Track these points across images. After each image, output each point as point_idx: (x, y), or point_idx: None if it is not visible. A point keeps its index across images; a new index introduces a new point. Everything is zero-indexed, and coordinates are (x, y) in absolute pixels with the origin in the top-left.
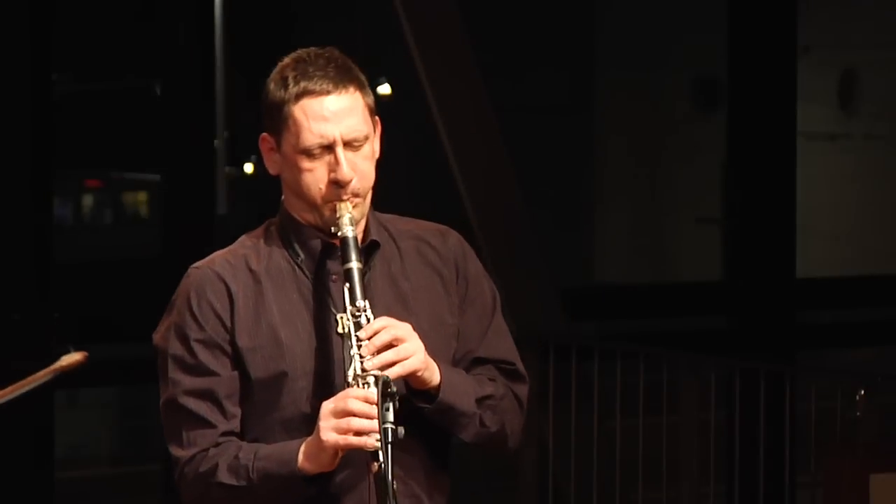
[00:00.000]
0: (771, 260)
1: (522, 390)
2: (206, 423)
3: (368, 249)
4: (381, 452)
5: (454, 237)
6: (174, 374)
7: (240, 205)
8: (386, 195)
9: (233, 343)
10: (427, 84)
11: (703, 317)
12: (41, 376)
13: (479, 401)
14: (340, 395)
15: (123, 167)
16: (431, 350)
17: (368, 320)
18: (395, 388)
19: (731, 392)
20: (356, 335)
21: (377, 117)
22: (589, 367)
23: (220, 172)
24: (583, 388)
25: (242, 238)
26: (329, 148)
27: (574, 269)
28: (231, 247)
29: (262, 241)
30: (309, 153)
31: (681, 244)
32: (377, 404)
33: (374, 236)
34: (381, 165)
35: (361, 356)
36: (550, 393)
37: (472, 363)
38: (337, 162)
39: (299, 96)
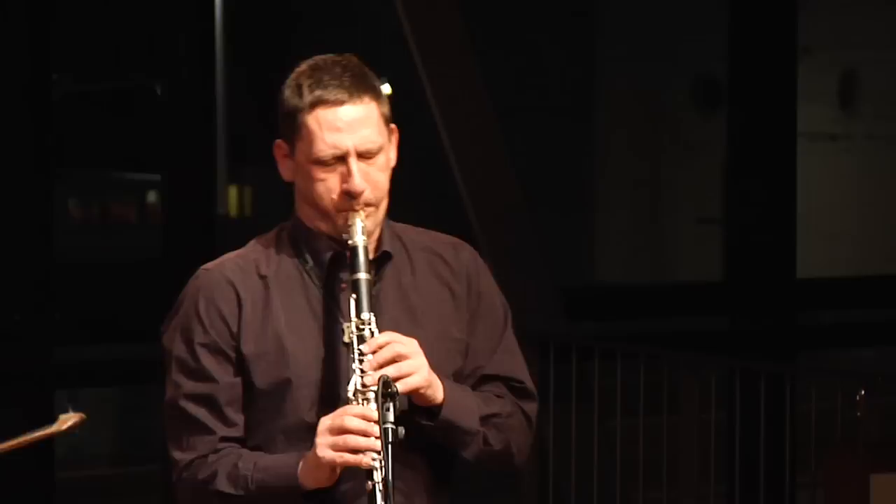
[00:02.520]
0: (771, 260)
1: (531, 407)
2: (206, 429)
3: (380, 260)
4: (375, 472)
5: (468, 252)
6: (177, 376)
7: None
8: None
9: (237, 349)
10: (427, 84)
11: (703, 317)
12: (37, 437)
13: (484, 419)
14: (338, 411)
15: (123, 167)
16: (436, 364)
17: (372, 333)
18: (395, 388)
19: (731, 392)
20: (359, 349)
21: (393, 125)
22: (589, 367)
23: (220, 172)
24: (583, 388)
25: (253, 242)
26: (342, 158)
27: (574, 269)
28: (241, 250)
29: (272, 246)
30: (322, 163)
31: (681, 244)
32: (378, 417)
33: (387, 247)
34: None
35: (363, 371)
36: (550, 393)
37: (480, 379)
38: (349, 173)
39: (313, 105)
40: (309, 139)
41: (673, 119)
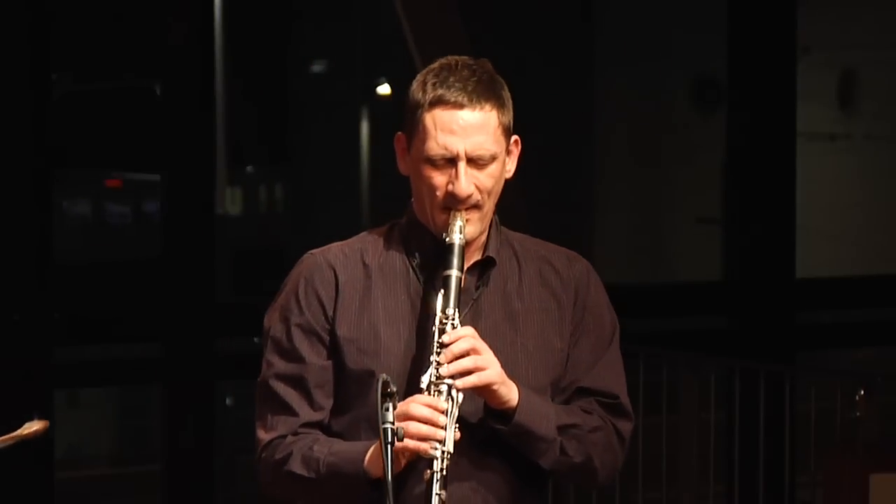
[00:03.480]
0: (771, 260)
1: (624, 426)
2: (290, 410)
3: (484, 266)
4: (436, 460)
5: (582, 264)
6: (270, 355)
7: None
8: (386, 195)
9: (332, 332)
10: None
11: (703, 317)
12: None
13: (562, 428)
14: (408, 399)
15: (123, 167)
16: (532, 371)
17: (455, 328)
18: (395, 389)
19: (731, 392)
20: (438, 341)
21: (516, 137)
22: None
23: (220, 172)
24: None
25: (365, 233)
26: (453, 161)
27: None
28: (351, 239)
29: (382, 238)
30: (432, 162)
31: (681, 244)
32: (445, 413)
33: (492, 253)
34: (381, 166)
35: (439, 363)
36: None
37: (575, 393)
38: (457, 176)
39: (433, 104)
40: (424, 137)
41: (673, 119)
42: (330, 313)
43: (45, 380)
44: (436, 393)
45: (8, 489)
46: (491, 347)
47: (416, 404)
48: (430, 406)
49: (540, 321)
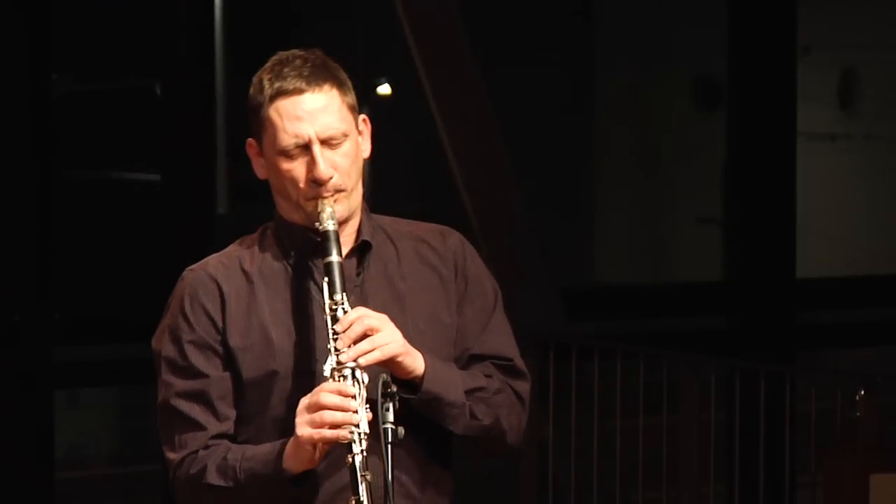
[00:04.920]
0: (771, 260)
1: (522, 386)
2: (197, 426)
3: (361, 250)
4: (354, 444)
5: (455, 237)
6: (167, 376)
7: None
8: (386, 195)
9: (224, 343)
10: (427, 84)
11: (703, 317)
12: None
13: (469, 392)
14: (315, 389)
15: (123, 167)
16: (429, 349)
17: (346, 313)
18: (394, 389)
19: (731, 392)
20: (333, 328)
21: (364, 116)
22: (589, 367)
23: (220, 172)
24: (583, 388)
25: (237, 241)
26: (306, 147)
27: (574, 269)
28: (226, 249)
29: (256, 243)
30: (287, 154)
31: (681, 244)
32: (353, 396)
33: (366, 236)
34: (380, 165)
35: (337, 349)
36: (550, 393)
37: (469, 360)
38: (314, 161)
39: (273, 98)
40: (272, 131)
41: (673, 119)
42: (220, 325)
43: (45, 380)
44: (340, 378)
45: (8, 489)
46: None
47: (324, 393)
48: (338, 392)
49: (426, 299)
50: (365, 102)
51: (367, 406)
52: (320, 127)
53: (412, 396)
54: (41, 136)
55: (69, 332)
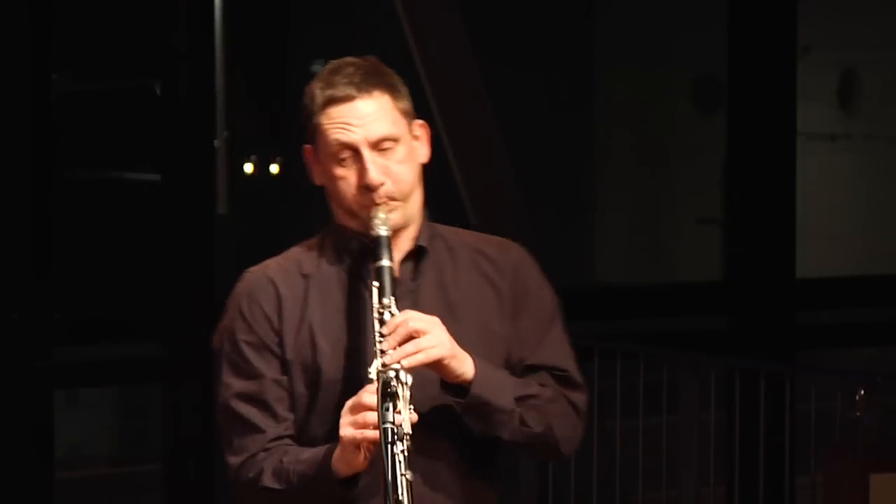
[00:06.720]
0: (771, 260)
1: (577, 397)
2: (256, 429)
3: (417, 256)
4: (398, 444)
5: (515, 250)
6: (226, 377)
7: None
8: None
9: (281, 345)
10: (427, 84)
11: (702, 317)
12: None
13: (521, 399)
14: (360, 391)
15: (123, 167)
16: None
17: (393, 316)
18: (394, 388)
19: (731, 392)
20: (379, 331)
21: (422, 121)
22: (589, 367)
23: (220, 172)
24: None
25: (298, 245)
26: (358, 153)
27: (574, 269)
28: (287, 252)
29: (315, 248)
30: (338, 160)
31: (681, 244)
32: (399, 397)
33: (423, 243)
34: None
35: (383, 351)
36: None
37: (524, 370)
38: (364, 167)
39: (325, 105)
40: (325, 139)
41: (673, 119)
42: (277, 327)
43: (45, 380)
44: (383, 379)
45: (8, 489)
46: None
47: (367, 394)
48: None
49: (478, 309)
50: None
51: (412, 407)
52: (370, 132)
53: (460, 400)
54: (41, 135)
55: (69, 332)
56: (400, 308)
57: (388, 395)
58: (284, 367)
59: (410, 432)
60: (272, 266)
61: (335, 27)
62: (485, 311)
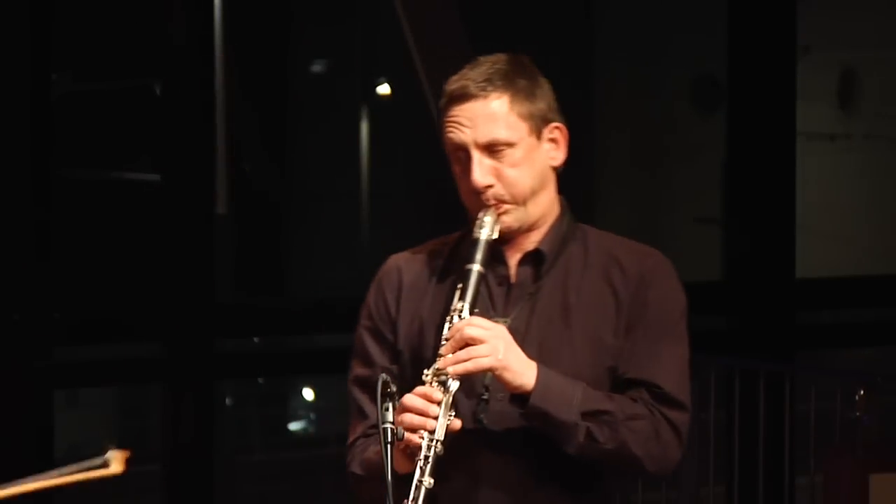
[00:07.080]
0: (771, 260)
1: (675, 416)
2: (363, 413)
3: (536, 258)
4: (422, 449)
5: (652, 260)
6: (352, 359)
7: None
8: (385, 195)
9: (395, 333)
10: (427, 84)
11: (702, 317)
12: (70, 478)
13: (591, 414)
14: (412, 391)
15: (123, 167)
16: (578, 365)
17: (461, 320)
18: (394, 388)
19: (730, 392)
20: (444, 336)
21: (556, 124)
22: None
23: (219, 172)
24: None
25: (443, 237)
26: (469, 153)
27: None
28: (429, 241)
29: (451, 243)
30: (456, 158)
31: (681, 244)
32: (439, 403)
33: (546, 246)
34: (380, 165)
35: (440, 355)
36: None
37: (624, 384)
38: (471, 168)
39: (447, 102)
40: (444, 135)
41: (672, 119)
42: (394, 316)
43: (45, 380)
44: (436, 384)
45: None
46: (540, 339)
47: (410, 395)
48: (423, 396)
49: (593, 316)
50: (365, 102)
51: (452, 414)
52: (479, 135)
53: (520, 410)
54: (40, 135)
55: (69, 332)
56: (517, 312)
57: (386, 395)
58: (396, 355)
59: (442, 438)
60: (407, 254)
61: (335, 27)
62: (599, 319)
